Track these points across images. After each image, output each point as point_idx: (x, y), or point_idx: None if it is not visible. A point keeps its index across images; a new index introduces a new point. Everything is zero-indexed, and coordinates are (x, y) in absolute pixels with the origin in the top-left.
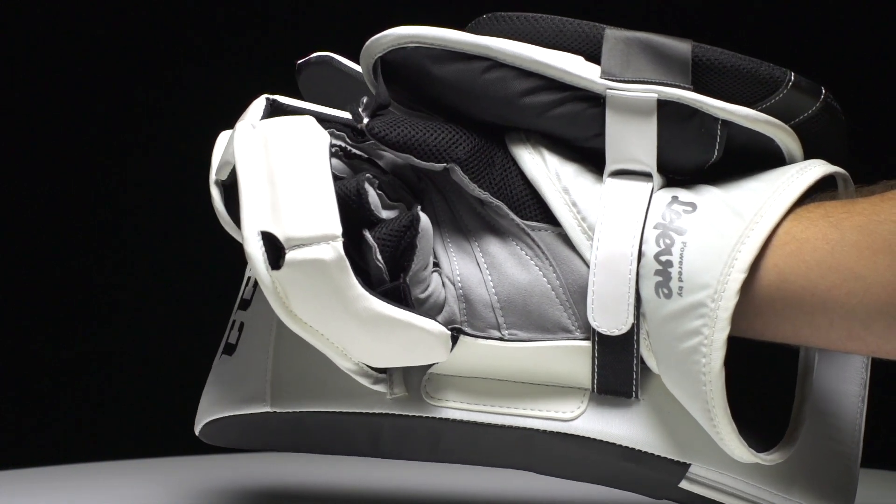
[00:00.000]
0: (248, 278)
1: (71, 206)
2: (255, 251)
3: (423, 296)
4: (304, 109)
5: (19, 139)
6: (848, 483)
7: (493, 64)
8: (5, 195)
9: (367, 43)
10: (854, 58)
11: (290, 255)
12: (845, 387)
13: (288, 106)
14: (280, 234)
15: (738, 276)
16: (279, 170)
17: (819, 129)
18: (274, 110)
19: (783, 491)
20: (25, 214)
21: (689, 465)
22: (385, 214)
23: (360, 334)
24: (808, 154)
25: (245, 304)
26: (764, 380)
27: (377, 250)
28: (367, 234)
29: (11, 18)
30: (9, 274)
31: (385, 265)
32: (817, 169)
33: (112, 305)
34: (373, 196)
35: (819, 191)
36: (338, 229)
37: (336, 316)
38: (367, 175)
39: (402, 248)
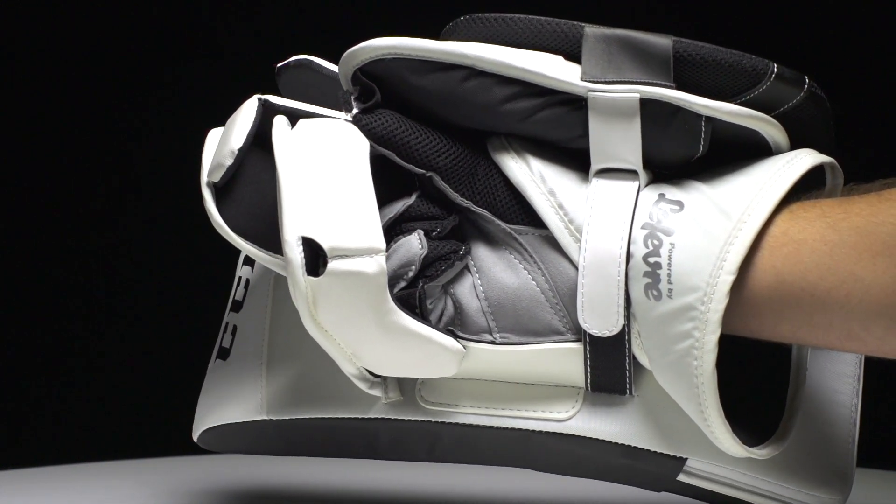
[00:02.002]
0: (239, 278)
1: (70, 206)
2: (295, 256)
3: (429, 307)
4: (296, 109)
5: (18, 139)
6: (845, 467)
7: (472, 72)
8: (4, 196)
9: (344, 55)
10: (845, 53)
11: (333, 265)
12: (840, 367)
13: (280, 106)
14: (324, 243)
15: (727, 279)
16: (323, 176)
17: (805, 118)
18: (266, 110)
19: (781, 480)
20: (24, 215)
21: (686, 459)
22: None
23: (381, 345)
24: (795, 143)
25: (237, 307)
26: (757, 370)
27: (425, 252)
28: (422, 235)
29: (11, 18)
30: (8, 274)
31: (417, 272)
32: (804, 161)
33: (111, 306)
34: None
35: (809, 179)
36: (382, 243)
37: (361, 326)
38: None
39: (440, 265)
